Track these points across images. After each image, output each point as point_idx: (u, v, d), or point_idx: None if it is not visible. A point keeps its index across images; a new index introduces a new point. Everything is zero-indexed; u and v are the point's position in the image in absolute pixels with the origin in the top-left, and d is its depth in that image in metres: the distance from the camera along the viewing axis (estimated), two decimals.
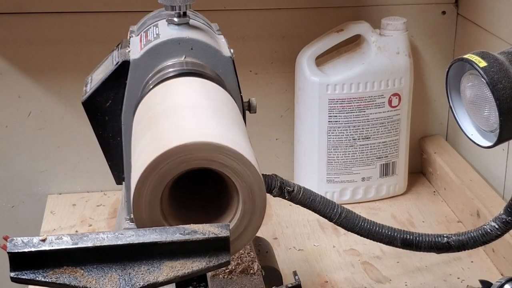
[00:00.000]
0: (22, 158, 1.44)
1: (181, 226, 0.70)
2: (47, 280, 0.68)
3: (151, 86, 0.87)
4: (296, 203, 0.95)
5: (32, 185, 1.46)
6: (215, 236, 0.69)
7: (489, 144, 0.87)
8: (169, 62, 0.90)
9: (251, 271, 0.92)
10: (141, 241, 0.69)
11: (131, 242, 0.69)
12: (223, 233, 0.70)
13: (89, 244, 0.68)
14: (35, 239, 0.68)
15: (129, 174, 0.92)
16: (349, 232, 0.99)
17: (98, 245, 0.68)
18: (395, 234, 1.00)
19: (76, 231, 1.34)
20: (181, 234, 0.69)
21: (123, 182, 0.96)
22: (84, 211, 1.41)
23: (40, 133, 1.43)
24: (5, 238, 1.32)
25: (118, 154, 0.94)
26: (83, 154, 1.44)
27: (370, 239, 1.00)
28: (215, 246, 0.70)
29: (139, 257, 0.69)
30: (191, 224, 0.70)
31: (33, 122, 1.42)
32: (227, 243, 0.70)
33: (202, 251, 0.70)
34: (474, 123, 0.90)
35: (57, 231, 1.34)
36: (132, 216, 0.87)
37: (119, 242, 0.69)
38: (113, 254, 0.69)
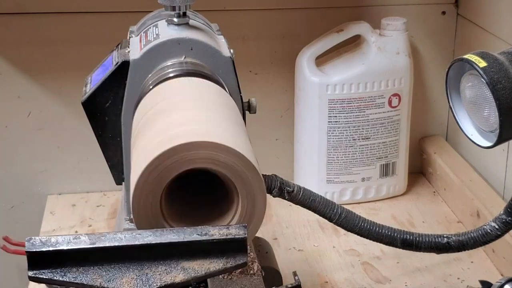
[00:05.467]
0: (22, 158, 1.43)
1: (198, 227, 0.70)
2: (65, 280, 0.67)
3: (150, 87, 0.87)
4: (296, 204, 0.95)
5: (32, 185, 1.45)
6: (233, 237, 0.69)
7: (489, 144, 0.87)
8: (169, 62, 0.90)
9: (251, 272, 0.92)
10: (158, 241, 0.68)
11: (149, 243, 0.68)
12: (240, 234, 0.70)
13: (107, 244, 0.68)
14: (53, 239, 0.67)
15: (128, 175, 0.92)
16: (349, 233, 0.99)
17: (116, 245, 0.68)
18: (395, 234, 1.00)
19: (76, 232, 1.34)
20: (198, 235, 0.69)
21: (123, 183, 0.96)
22: (83, 212, 1.41)
23: (40, 133, 1.43)
24: (5, 239, 1.32)
25: (117, 154, 0.94)
26: (83, 154, 1.44)
27: (370, 239, 1.00)
28: (232, 248, 0.70)
29: (156, 258, 0.69)
30: (208, 226, 0.70)
31: (33, 122, 1.42)
32: (245, 244, 0.70)
33: (220, 252, 0.70)
34: (474, 123, 0.90)
35: (57, 232, 1.34)
36: (131, 216, 0.87)
37: (137, 242, 0.68)
38: (131, 254, 0.68)
